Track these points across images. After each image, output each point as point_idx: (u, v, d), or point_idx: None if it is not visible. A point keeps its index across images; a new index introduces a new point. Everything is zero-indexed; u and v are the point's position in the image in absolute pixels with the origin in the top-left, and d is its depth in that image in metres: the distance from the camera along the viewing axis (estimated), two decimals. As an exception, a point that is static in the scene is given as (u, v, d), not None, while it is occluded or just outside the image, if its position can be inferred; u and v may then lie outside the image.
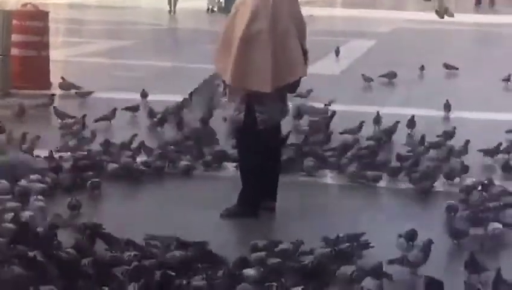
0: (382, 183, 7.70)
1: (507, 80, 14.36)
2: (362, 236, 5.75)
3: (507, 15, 36.63)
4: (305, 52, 6.50)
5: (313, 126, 9.69)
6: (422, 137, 9.00)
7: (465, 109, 11.62)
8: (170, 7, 31.04)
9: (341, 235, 5.68)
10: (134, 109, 10.49)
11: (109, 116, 9.75)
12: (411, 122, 9.92)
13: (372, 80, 13.68)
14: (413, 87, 13.99)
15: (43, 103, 10.79)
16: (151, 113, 10.04)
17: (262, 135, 6.37)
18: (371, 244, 5.64)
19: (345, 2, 49.33)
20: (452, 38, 24.50)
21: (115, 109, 9.82)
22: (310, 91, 11.39)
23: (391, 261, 5.29)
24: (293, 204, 6.74)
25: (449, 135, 9.32)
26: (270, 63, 6.15)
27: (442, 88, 14.06)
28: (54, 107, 9.97)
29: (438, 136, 9.24)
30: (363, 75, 13.84)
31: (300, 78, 6.56)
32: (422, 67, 15.74)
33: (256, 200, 6.38)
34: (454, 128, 9.44)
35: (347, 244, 5.59)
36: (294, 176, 7.69)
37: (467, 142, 8.72)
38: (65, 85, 11.95)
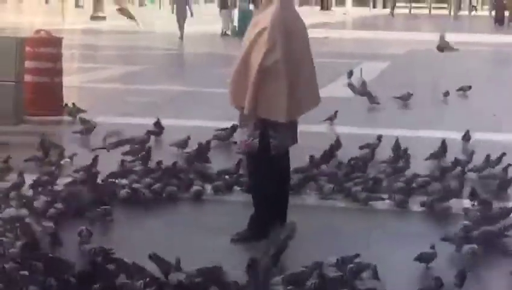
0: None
1: None
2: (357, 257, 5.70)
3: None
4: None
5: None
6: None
7: (480, 130, 11.48)
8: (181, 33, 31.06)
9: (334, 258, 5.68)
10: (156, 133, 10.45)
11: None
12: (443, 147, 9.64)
13: (379, 102, 13.64)
14: (428, 109, 13.96)
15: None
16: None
17: (275, 160, 6.41)
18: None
19: (357, 24, 49.67)
20: (467, 59, 24.39)
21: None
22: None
23: None
24: (303, 226, 6.66)
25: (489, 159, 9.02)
26: (286, 93, 6.17)
27: (456, 110, 14.16)
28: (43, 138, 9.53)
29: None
30: (369, 97, 13.80)
31: None
32: (446, 93, 15.43)
33: (267, 223, 6.31)
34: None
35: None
36: (303, 198, 7.76)
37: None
38: (73, 111, 11.92)
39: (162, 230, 6.95)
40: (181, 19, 30.06)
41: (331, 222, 7.23)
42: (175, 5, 31.31)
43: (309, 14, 56.83)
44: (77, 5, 60.09)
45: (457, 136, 10.80)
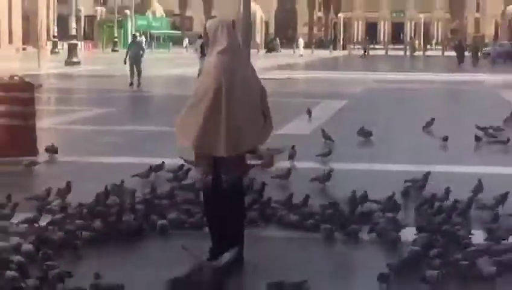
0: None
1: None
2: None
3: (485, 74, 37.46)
4: (265, 118, 6.54)
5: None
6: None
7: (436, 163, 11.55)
8: (132, 80, 28.27)
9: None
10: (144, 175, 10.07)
11: None
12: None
13: (333, 140, 13.31)
14: (385, 144, 13.94)
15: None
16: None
17: (229, 194, 6.39)
18: None
19: (316, 66, 49.84)
20: (418, 95, 24.67)
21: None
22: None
23: None
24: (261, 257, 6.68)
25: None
26: (225, 131, 6.15)
27: (414, 144, 14.13)
28: None
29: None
30: (323, 133, 13.63)
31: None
32: (429, 123, 15.51)
33: (221, 251, 6.32)
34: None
35: None
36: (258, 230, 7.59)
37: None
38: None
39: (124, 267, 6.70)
40: (134, 65, 28.43)
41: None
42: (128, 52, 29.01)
43: (271, 56, 56.91)
44: (52, 52, 59.94)
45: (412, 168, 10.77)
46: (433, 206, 8.21)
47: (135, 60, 28.14)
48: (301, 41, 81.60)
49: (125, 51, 30.99)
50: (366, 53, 72.13)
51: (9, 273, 5.83)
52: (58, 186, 8.71)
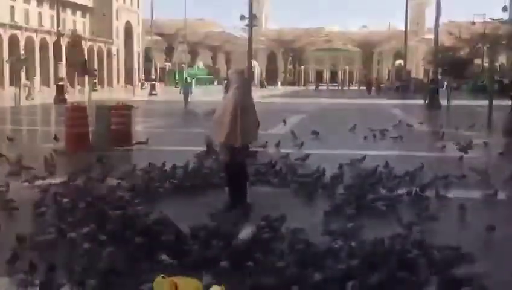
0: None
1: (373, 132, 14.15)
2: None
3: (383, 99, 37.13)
4: (258, 124, 6.54)
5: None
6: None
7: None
8: (185, 104, 27.34)
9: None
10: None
11: None
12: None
13: (297, 137, 13.10)
14: (329, 140, 13.74)
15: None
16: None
17: (238, 167, 6.38)
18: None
19: (287, 95, 49.66)
20: (345, 111, 24.60)
21: None
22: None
23: None
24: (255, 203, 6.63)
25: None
26: (239, 131, 6.08)
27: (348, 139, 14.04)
28: None
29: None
30: (292, 133, 13.60)
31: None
32: (354, 127, 15.24)
33: (236, 201, 6.31)
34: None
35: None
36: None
37: None
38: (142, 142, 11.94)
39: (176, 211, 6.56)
40: (185, 95, 28.67)
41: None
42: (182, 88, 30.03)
43: (263, 90, 56.50)
44: (141, 88, 59.87)
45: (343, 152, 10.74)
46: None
47: (185, 93, 28.55)
48: (278, 82, 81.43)
49: (182, 87, 31.40)
50: (317, 88, 71.78)
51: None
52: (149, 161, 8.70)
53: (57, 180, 7.55)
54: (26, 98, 33.48)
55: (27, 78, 35.59)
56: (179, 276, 3.53)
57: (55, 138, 12.01)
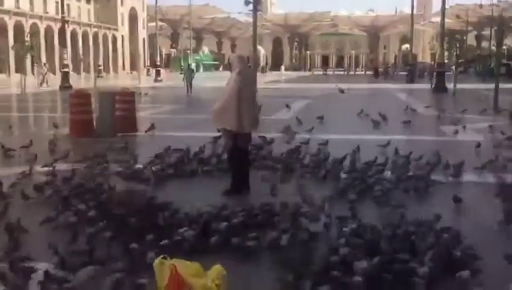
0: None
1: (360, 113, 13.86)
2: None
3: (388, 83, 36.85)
4: (259, 109, 6.50)
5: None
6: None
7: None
8: (187, 90, 26.86)
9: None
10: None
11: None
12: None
13: (301, 122, 12.84)
14: (335, 123, 13.66)
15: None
16: None
17: (240, 151, 6.34)
18: None
19: (293, 80, 49.45)
20: (352, 95, 24.46)
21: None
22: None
23: None
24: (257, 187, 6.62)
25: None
26: (243, 116, 6.04)
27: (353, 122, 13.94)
28: None
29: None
30: (296, 118, 13.37)
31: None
32: (361, 111, 14.88)
33: (239, 184, 6.31)
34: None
35: None
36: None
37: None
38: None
39: (185, 194, 6.65)
40: (188, 82, 27.77)
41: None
42: (185, 74, 29.02)
43: (268, 75, 56.25)
44: (147, 74, 59.76)
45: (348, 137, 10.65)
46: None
47: (188, 79, 27.94)
48: (282, 67, 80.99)
49: (184, 74, 30.53)
50: (325, 73, 71.06)
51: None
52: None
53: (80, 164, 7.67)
54: (41, 84, 33.41)
55: (44, 64, 35.49)
56: (179, 259, 3.53)
57: (55, 125, 12.02)
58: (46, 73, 33.47)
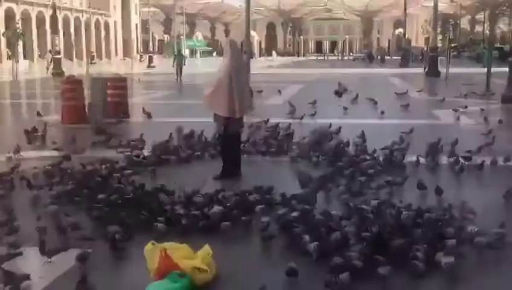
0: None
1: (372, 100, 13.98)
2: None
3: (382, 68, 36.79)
4: (251, 93, 6.50)
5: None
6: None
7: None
8: (177, 77, 26.21)
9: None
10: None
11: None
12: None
13: (295, 108, 12.49)
14: (329, 108, 13.42)
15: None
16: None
17: (232, 136, 6.35)
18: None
19: (286, 65, 49.30)
20: (346, 80, 24.37)
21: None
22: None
23: None
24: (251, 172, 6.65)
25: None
26: (235, 101, 6.03)
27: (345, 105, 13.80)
28: None
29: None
30: (289, 103, 13.08)
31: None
32: (356, 96, 15.00)
33: (230, 169, 6.32)
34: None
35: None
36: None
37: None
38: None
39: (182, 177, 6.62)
40: (178, 68, 26.71)
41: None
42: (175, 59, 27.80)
43: (261, 60, 56.05)
44: (140, 60, 59.33)
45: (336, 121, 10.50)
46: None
47: (179, 65, 26.98)
48: (274, 52, 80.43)
49: (183, 58, 29.67)
50: (326, 57, 69.36)
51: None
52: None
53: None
54: (47, 68, 32.44)
55: (50, 51, 34.83)
56: (169, 242, 3.56)
57: (38, 114, 11.87)
58: (51, 60, 32.94)
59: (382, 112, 12.04)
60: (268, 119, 9.73)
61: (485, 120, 10.75)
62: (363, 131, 8.32)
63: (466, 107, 12.46)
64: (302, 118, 10.11)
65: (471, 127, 10.54)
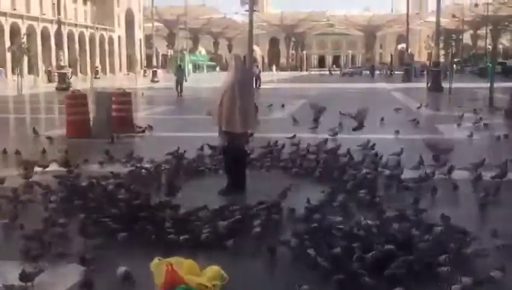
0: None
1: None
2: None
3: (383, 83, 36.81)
4: (256, 109, 6.48)
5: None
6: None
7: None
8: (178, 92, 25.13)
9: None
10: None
11: None
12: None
13: (298, 121, 12.82)
14: (326, 124, 13.19)
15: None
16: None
17: (236, 151, 6.33)
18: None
19: (289, 80, 49.43)
20: (349, 95, 24.45)
21: None
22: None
23: None
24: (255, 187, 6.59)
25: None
26: (240, 116, 6.02)
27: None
28: None
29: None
30: (293, 117, 13.06)
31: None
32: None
33: (235, 185, 6.29)
34: None
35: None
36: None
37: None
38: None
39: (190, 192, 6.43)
40: (178, 83, 25.88)
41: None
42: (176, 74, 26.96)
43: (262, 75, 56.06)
44: (144, 75, 59.65)
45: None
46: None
47: (179, 80, 26.01)
48: (274, 67, 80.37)
49: (184, 73, 29.29)
50: (331, 72, 68.61)
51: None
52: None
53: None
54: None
55: (69, 66, 34.89)
56: (175, 257, 3.55)
57: (34, 131, 11.64)
58: (70, 76, 32.72)
59: (397, 131, 11.62)
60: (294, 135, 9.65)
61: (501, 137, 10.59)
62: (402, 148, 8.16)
63: (481, 118, 12.52)
64: (336, 133, 10.15)
65: (476, 141, 10.51)
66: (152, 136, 11.54)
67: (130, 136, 11.31)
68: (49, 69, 47.18)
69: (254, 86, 19.26)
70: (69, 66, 33.19)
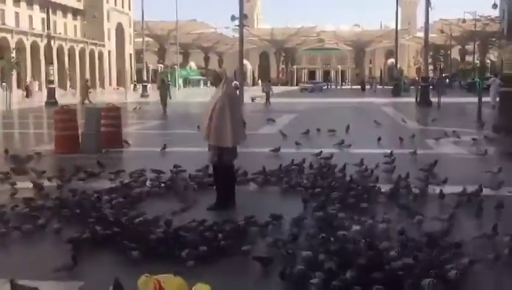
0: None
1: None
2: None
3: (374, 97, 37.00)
4: (244, 124, 6.51)
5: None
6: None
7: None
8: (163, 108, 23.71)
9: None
10: None
11: None
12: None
13: (286, 136, 13.09)
14: (316, 138, 13.59)
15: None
16: None
17: (226, 167, 6.35)
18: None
19: (279, 94, 49.61)
20: (339, 110, 24.56)
21: None
22: None
23: None
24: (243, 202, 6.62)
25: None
26: (230, 130, 6.06)
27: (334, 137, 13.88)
28: None
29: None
30: (281, 132, 13.55)
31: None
32: (348, 127, 14.55)
33: (224, 200, 6.31)
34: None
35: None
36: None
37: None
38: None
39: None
40: (163, 100, 24.37)
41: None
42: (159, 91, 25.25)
43: (251, 89, 56.46)
44: (134, 90, 59.65)
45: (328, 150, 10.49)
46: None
47: (163, 96, 24.38)
48: (259, 82, 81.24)
49: (175, 88, 28.54)
50: (326, 87, 68.31)
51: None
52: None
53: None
54: (83, 101, 30.92)
55: (87, 81, 34.19)
56: (163, 274, 3.55)
57: (5, 151, 10.69)
58: (89, 90, 31.88)
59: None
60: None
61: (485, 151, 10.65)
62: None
63: (475, 139, 12.40)
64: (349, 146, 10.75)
65: (464, 156, 10.61)
66: (141, 151, 11.51)
67: (118, 152, 11.27)
68: (26, 84, 46.72)
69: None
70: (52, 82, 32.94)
